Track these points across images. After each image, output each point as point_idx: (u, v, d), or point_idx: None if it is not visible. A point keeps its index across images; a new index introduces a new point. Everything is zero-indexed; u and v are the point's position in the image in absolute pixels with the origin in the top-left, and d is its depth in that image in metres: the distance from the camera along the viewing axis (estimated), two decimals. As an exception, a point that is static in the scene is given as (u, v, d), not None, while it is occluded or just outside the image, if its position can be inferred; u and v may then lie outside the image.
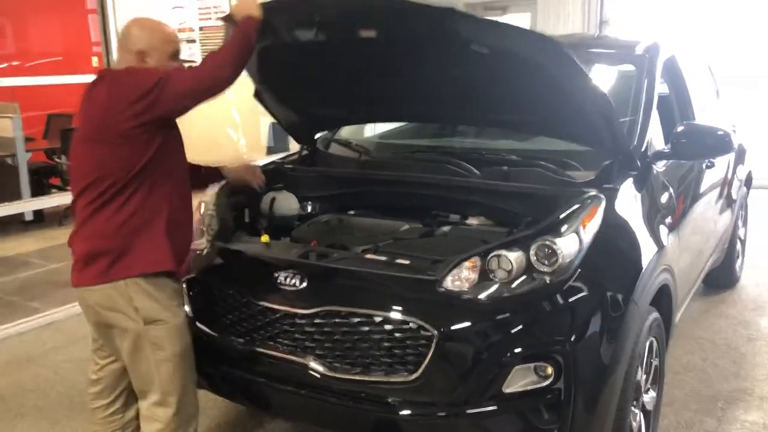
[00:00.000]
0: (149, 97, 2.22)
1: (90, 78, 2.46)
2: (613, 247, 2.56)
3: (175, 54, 2.47)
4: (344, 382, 2.33)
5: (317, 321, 2.36)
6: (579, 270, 2.34)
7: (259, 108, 3.31)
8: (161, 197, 2.35)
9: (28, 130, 7.33)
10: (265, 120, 7.30)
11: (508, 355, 2.21)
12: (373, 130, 4.06)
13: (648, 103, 3.18)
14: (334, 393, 2.35)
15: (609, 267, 2.50)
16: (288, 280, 2.43)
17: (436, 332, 2.20)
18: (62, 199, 5.64)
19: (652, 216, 2.84)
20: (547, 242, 2.32)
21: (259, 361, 2.50)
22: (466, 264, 2.34)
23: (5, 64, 6.63)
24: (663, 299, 2.85)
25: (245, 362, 2.54)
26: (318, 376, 2.36)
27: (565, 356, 2.22)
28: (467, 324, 2.24)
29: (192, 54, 8.04)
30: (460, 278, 2.32)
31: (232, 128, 7.50)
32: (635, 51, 3.51)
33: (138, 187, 2.29)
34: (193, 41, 8.15)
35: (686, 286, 3.40)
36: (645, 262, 2.61)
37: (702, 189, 3.75)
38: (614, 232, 2.57)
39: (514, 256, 2.31)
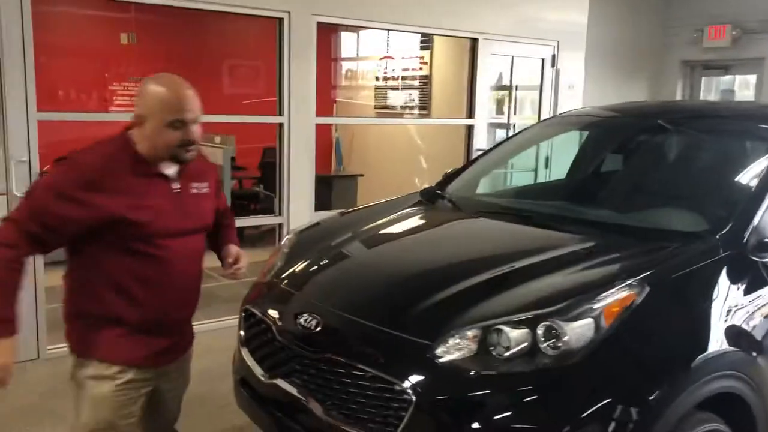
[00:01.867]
0: None
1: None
2: (655, 340, 2.28)
3: (175, 123, 2.12)
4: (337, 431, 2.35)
5: (320, 366, 2.42)
6: (592, 359, 2.13)
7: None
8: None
9: (243, 160, 8.34)
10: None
11: None
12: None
13: (764, 185, 2.76)
14: None
15: (639, 360, 2.23)
16: (307, 322, 2.53)
17: (414, 398, 2.15)
18: (258, 220, 6.40)
19: (733, 313, 2.46)
20: (555, 324, 2.15)
21: (276, 393, 2.58)
22: (469, 333, 2.24)
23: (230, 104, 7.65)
24: (737, 411, 2.44)
25: (267, 392, 2.65)
26: (316, 419, 2.40)
27: None
28: (447, 395, 2.15)
29: (413, 99, 8.52)
30: (458, 346, 2.23)
31: (417, 176, 7.93)
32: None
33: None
34: (397, 89, 8.65)
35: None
36: (698, 360, 2.29)
37: None
38: (660, 323, 2.30)
39: (516, 334, 2.17)
